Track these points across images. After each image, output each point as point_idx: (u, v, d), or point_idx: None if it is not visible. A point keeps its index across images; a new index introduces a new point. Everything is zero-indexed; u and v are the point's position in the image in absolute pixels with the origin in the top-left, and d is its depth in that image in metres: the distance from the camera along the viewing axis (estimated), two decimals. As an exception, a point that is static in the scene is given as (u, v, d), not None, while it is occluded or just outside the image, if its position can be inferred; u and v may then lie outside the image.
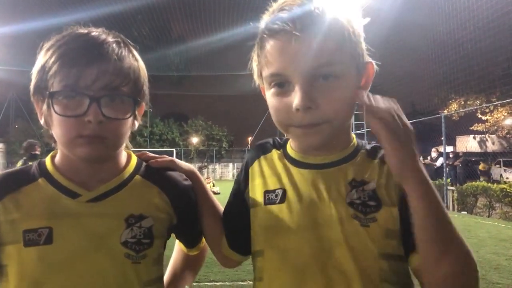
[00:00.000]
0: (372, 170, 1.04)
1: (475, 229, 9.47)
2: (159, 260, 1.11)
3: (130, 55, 1.06)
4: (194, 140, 42.41)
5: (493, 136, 27.00)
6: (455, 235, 0.89)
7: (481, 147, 26.97)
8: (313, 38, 0.93)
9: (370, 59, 1.04)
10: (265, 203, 1.10)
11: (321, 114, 0.96)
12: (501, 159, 23.72)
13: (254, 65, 1.08)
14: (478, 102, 25.51)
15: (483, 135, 27.03)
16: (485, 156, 25.13)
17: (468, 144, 25.22)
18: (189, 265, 1.37)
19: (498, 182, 17.46)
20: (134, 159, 1.17)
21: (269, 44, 0.99)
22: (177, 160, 1.23)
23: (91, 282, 0.99)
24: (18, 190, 1.04)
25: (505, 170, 23.15)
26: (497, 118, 26.61)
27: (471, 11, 17.77)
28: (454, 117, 22.91)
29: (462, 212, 13.09)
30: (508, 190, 11.66)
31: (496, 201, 12.17)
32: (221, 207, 1.27)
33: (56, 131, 1.01)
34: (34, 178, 1.07)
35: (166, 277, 1.29)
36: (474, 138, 27.03)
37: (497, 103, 21.03)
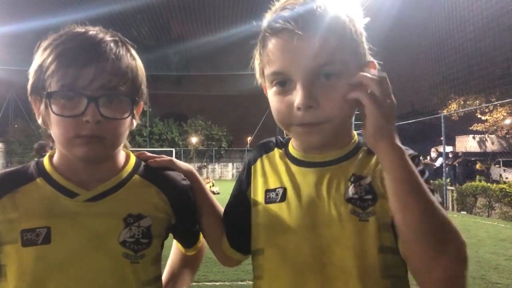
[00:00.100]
0: (370, 165, 1.05)
1: (474, 229, 9.48)
2: (157, 260, 1.11)
3: (128, 54, 1.06)
4: (194, 140, 42.42)
5: (493, 136, 27.02)
6: (431, 205, 0.85)
7: (480, 147, 27.00)
8: (315, 37, 0.93)
9: (372, 58, 1.04)
10: (266, 202, 1.11)
11: (322, 113, 0.96)
12: (500, 159, 23.73)
13: (256, 63, 1.08)
14: (477, 102, 25.52)
15: (482, 135, 27.05)
16: (484, 156, 25.15)
17: (467, 144, 25.25)
18: (187, 265, 1.37)
19: (498, 182, 17.48)
20: (133, 159, 1.17)
21: (271, 43, 0.99)
22: (176, 160, 1.23)
23: (89, 282, 0.99)
24: (16, 189, 1.04)
25: (504, 170, 23.16)
26: (496, 118, 26.63)
27: (470, 11, 17.80)
28: (453, 117, 22.91)
29: (461, 212, 13.11)
30: (507, 190, 11.67)
31: (496, 201, 12.19)
32: (221, 207, 1.27)
33: (54, 131, 1.01)
34: (32, 177, 1.06)
35: (164, 277, 1.29)
36: (474, 138, 27.06)
37: (496, 103, 21.04)
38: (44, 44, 1.02)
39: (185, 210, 1.17)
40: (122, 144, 1.11)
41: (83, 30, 1.03)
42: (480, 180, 15.35)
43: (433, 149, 17.67)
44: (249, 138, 48.11)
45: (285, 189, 1.09)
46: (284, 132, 1.09)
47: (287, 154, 1.15)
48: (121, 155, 1.15)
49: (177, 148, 38.25)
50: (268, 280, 1.06)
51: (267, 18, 1.02)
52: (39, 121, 1.06)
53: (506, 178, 21.03)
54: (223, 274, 5.38)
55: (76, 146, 0.99)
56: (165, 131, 42.52)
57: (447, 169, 15.26)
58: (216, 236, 1.23)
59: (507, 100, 18.77)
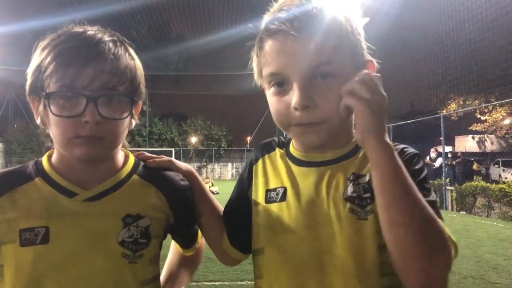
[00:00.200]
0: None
1: (474, 229, 9.49)
2: (155, 260, 1.11)
3: (127, 53, 1.06)
4: (193, 139, 42.43)
5: (492, 136, 27.05)
6: (418, 205, 0.84)
7: (480, 147, 27.02)
8: (311, 38, 0.93)
9: (370, 58, 1.04)
10: (266, 202, 1.11)
11: (320, 113, 0.96)
12: (499, 159, 23.76)
13: (254, 65, 1.08)
14: (477, 102, 25.54)
15: (482, 135, 27.08)
16: (483, 156, 25.19)
17: (467, 144, 25.26)
18: (185, 265, 1.37)
19: (497, 182, 17.50)
20: (132, 159, 1.17)
21: (268, 44, 1.00)
22: (175, 161, 1.23)
23: (87, 282, 0.99)
24: (15, 189, 1.04)
25: (503, 170, 23.18)
26: (495, 118, 26.67)
27: (470, 11, 17.80)
28: (453, 117, 22.94)
29: (461, 212, 13.12)
30: (506, 190, 11.68)
31: (495, 201, 12.20)
32: (221, 207, 1.27)
33: (53, 131, 1.00)
34: (31, 177, 1.06)
35: (162, 277, 1.29)
36: (473, 138, 27.08)
37: (496, 103, 21.07)
38: (42, 44, 1.02)
39: (184, 210, 1.17)
40: (121, 144, 1.10)
41: (81, 30, 1.03)
42: (477, 181, 15.34)
43: (432, 149, 17.68)
44: (248, 138, 48.19)
45: (285, 189, 1.09)
46: (281, 132, 1.09)
47: (287, 154, 1.16)
48: (120, 155, 1.14)
49: (177, 148, 38.27)
50: (268, 280, 1.07)
51: (265, 20, 1.02)
52: (38, 121, 1.06)
53: (506, 178, 21.05)
54: (222, 274, 5.38)
55: (75, 146, 0.99)
56: (165, 131, 42.52)
57: (446, 169, 15.28)
58: (216, 236, 1.23)
59: (506, 100, 18.81)
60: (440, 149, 16.30)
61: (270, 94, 1.04)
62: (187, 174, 1.22)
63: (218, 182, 26.22)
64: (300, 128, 0.99)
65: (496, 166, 24.16)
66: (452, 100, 27.94)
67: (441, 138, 15.25)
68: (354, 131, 1.05)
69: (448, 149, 19.17)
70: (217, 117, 48.64)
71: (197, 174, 1.26)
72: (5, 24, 20.44)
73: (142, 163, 1.17)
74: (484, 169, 24.71)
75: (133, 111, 1.08)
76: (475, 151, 26.14)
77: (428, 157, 17.35)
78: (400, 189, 0.85)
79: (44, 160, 1.10)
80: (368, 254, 0.96)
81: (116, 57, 1.01)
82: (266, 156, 1.19)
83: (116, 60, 1.00)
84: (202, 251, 1.38)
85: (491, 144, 27.02)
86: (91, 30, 1.03)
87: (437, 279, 0.85)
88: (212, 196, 1.26)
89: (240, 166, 39.51)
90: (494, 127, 26.90)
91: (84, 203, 1.03)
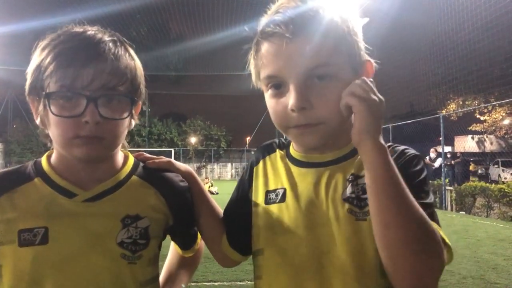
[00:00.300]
0: None
1: (473, 229, 9.48)
2: (154, 261, 1.11)
3: (127, 54, 1.06)
4: (193, 140, 42.43)
5: (491, 136, 27.06)
6: (410, 209, 0.84)
7: (479, 147, 27.02)
8: (306, 40, 0.94)
9: (368, 58, 1.04)
10: (266, 203, 1.12)
11: (317, 114, 0.96)
12: (499, 159, 23.77)
13: (252, 67, 1.08)
14: (476, 102, 25.55)
15: (481, 135, 27.08)
16: (483, 156, 25.20)
17: (466, 144, 25.25)
18: (184, 266, 1.37)
19: (496, 182, 17.50)
20: (131, 160, 1.17)
21: (264, 47, 1.00)
22: (175, 161, 1.23)
23: (86, 283, 0.99)
24: (14, 189, 1.03)
25: (503, 170, 23.19)
26: (495, 118, 26.69)
27: (469, 11, 17.80)
28: (452, 117, 22.93)
29: (460, 212, 13.12)
30: (506, 190, 11.68)
31: (494, 201, 12.20)
32: (219, 208, 1.27)
33: (53, 132, 1.00)
34: (30, 177, 1.06)
35: (161, 278, 1.28)
36: (473, 138, 27.07)
37: (495, 103, 21.08)
38: (42, 44, 1.02)
39: (183, 211, 1.17)
40: (121, 145, 1.10)
41: (81, 30, 1.03)
42: (473, 181, 15.35)
43: (432, 149, 17.69)
44: (248, 138, 48.17)
45: (285, 190, 1.09)
46: (280, 133, 1.09)
47: (287, 155, 1.16)
48: (120, 156, 1.14)
49: (176, 148, 38.28)
50: (267, 280, 1.07)
51: (262, 22, 1.03)
52: (37, 121, 1.06)
53: (505, 178, 21.06)
54: (222, 274, 5.38)
55: (75, 146, 0.99)
56: (164, 131, 42.52)
57: (446, 169, 15.28)
58: (215, 237, 1.23)
59: (506, 101, 18.80)
60: (439, 149, 16.31)
61: (268, 96, 1.04)
62: (186, 175, 1.22)
63: (218, 182, 26.21)
64: (297, 129, 0.99)
65: (496, 166, 24.18)
66: (451, 100, 27.96)
67: (440, 138, 15.24)
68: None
69: (447, 149, 19.18)
70: (216, 117, 48.70)
71: (196, 175, 1.26)
72: (4, 24, 20.42)
73: (141, 164, 1.17)
74: (483, 169, 24.72)
75: (133, 112, 1.08)
76: (474, 151, 26.14)
77: (427, 157, 17.36)
78: (392, 191, 0.85)
79: (43, 160, 1.10)
80: (367, 254, 0.96)
81: (116, 57, 1.01)
82: (267, 158, 1.20)
83: (116, 60, 1.00)
84: (201, 252, 1.38)
85: (490, 144, 27.03)
86: (91, 30, 1.03)
87: (427, 282, 0.85)
88: (211, 197, 1.26)
89: (240, 166, 39.54)
90: (493, 127, 26.93)
91: (83, 203, 1.03)
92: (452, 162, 17.39)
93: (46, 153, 1.12)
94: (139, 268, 1.05)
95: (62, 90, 0.97)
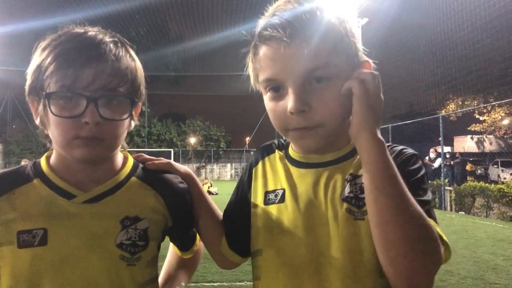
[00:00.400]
0: None
1: (472, 229, 9.49)
2: (153, 262, 1.11)
3: (127, 55, 1.05)
4: (192, 140, 42.45)
5: (491, 136, 27.06)
6: (406, 203, 0.84)
7: (478, 147, 27.02)
8: (304, 43, 0.93)
9: (366, 58, 1.04)
10: (265, 203, 1.12)
11: (316, 117, 0.96)
12: (498, 160, 23.77)
13: (250, 70, 1.08)
14: (475, 102, 25.58)
15: (480, 136, 27.09)
16: (482, 156, 25.20)
17: (465, 144, 25.27)
18: (183, 267, 1.36)
19: (496, 182, 17.50)
20: (131, 161, 1.17)
21: (262, 51, 1.00)
22: (174, 163, 1.23)
23: (85, 284, 0.99)
24: (13, 190, 1.03)
25: (502, 171, 23.19)
26: (494, 119, 26.69)
27: (468, 12, 17.82)
28: (451, 118, 22.94)
29: (459, 212, 13.14)
30: (505, 190, 11.70)
31: (494, 201, 12.22)
32: (218, 210, 1.27)
33: (53, 132, 1.00)
34: (29, 178, 1.06)
35: (160, 279, 1.28)
36: (472, 138, 27.08)
37: (494, 103, 21.08)
38: (43, 44, 1.01)
39: (182, 213, 1.17)
40: (120, 146, 1.10)
41: (82, 30, 1.02)
42: (470, 181, 15.35)
43: (432, 150, 17.68)
44: (247, 139, 48.20)
45: (284, 191, 1.09)
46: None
47: (287, 156, 1.16)
48: (119, 157, 1.14)
49: (176, 149, 38.29)
50: (266, 281, 1.07)
51: (259, 24, 1.02)
52: (37, 121, 1.06)
53: (504, 178, 21.06)
54: (221, 275, 5.38)
55: (75, 147, 0.98)
56: (164, 131, 42.53)
57: (445, 169, 15.29)
58: (214, 239, 1.23)
59: (505, 101, 18.81)
60: (439, 149, 16.31)
61: (267, 99, 1.04)
62: (186, 177, 1.22)
63: (217, 183, 26.22)
64: (296, 132, 0.99)
65: (495, 166, 24.18)
66: (451, 101, 27.98)
67: (440, 139, 15.26)
68: None
69: (447, 149, 19.19)
70: (216, 118, 48.68)
71: (195, 177, 1.26)
72: (4, 24, 20.42)
73: (141, 165, 1.17)
74: (483, 169, 24.72)
75: (133, 113, 1.08)
76: (474, 151, 26.15)
77: (427, 158, 17.36)
78: (389, 186, 0.85)
79: (42, 161, 1.10)
80: (366, 254, 0.95)
81: (117, 58, 1.01)
82: (266, 159, 1.20)
83: (117, 61, 1.00)
84: (200, 253, 1.38)
85: (490, 145, 27.04)
86: (92, 31, 1.03)
87: (424, 279, 0.85)
88: (210, 199, 1.26)
89: (239, 166, 39.56)
90: (493, 128, 26.92)
91: (82, 205, 1.03)
92: (452, 162, 17.40)
93: (45, 154, 1.12)
94: (138, 270, 1.05)
95: (62, 90, 0.96)
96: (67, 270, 0.98)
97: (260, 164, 1.20)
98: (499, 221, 11.15)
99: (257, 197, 1.15)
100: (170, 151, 33.90)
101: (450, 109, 27.16)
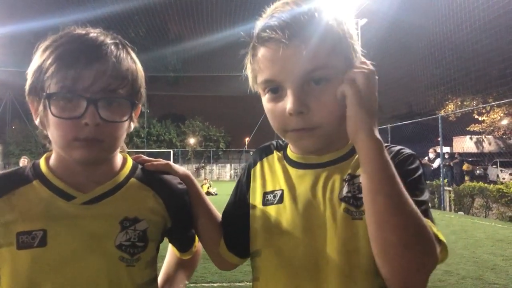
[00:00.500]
0: None
1: (471, 229, 9.50)
2: (152, 263, 1.11)
3: (129, 57, 1.06)
4: (191, 141, 42.43)
5: (490, 136, 27.08)
6: (403, 202, 0.84)
7: (477, 147, 27.03)
8: (302, 45, 0.94)
9: (364, 59, 1.04)
10: (264, 204, 1.12)
11: (314, 118, 0.96)
12: (497, 160, 23.79)
13: (248, 72, 1.08)
14: (474, 102, 25.60)
15: (479, 136, 27.11)
16: (481, 156, 25.22)
17: (464, 144, 25.25)
18: (182, 268, 1.37)
19: (495, 182, 17.52)
20: (130, 162, 1.17)
21: (260, 52, 1.00)
22: (173, 164, 1.23)
23: (84, 285, 0.99)
24: (12, 192, 1.03)
25: (501, 171, 23.21)
26: (493, 119, 26.73)
27: (467, 12, 17.82)
28: (450, 118, 22.95)
29: (459, 212, 13.14)
30: (504, 190, 11.71)
31: (493, 202, 12.23)
32: (217, 211, 1.27)
33: (53, 133, 1.00)
34: (29, 180, 1.06)
35: (159, 280, 1.28)
36: (471, 138, 27.09)
37: (493, 103, 21.11)
38: (44, 45, 1.01)
39: (181, 214, 1.17)
40: (120, 147, 1.10)
41: (83, 32, 1.02)
42: (471, 181, 15.36)
43: (431, 150, 17.68)
44: (247, 139, 48.19)
45: (282, 191, 1.10)
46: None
47: (285, 157, 1.16)
48: (118, 158, 1.14)
49: (175, 149, 38.27)
50: (265, 282, 1.07)
51: (257, 26, 1.03)
52: (36, 121, 1.06)
53: (503, 178, 21.07)
54: (220, 275, 5.37)
55: (75, 148, 0.98)
56: (163, 132, 42.52)
57: (444, 169, 15.30)
58: (212, 240, 1.23)
59: (504, 101, 18.84)
60: (438, 149, 16.32)
61: (265, 100, 1.04)
62: (184, 178, 1.22)
63: (217, 183, 26.21)
64: (295, 133, 1.00)
65: (494, 166, 24.20)
66: (450, 101, 28.00)
67: (439, 139, 15.27)
68: None
69: (446, 149, 19.20)
70: (215, 118, 48.68)
71: (193, 178, 1.26)
72: (3, 25, 20.40)
73: (140, 166, 1.17)
74: (482, 169, 24.73)
75: (133, 115, 1.08)
76: (473, 151, 26.16)
77: (426, 158, 17.37)
78: (387, 186, 0.85)
79: (41, 162, 1.10)
80: (364, 254, 0.95)
81: (118, 60, 1.01)
82: (265, 159, 1.20)
83: (117, 63, 1.00)
84: (199, 254, 1.38)
85: (489, 145, 27.06)
86: (93, 33, 1.03)
87: (418, 278, 0.85)
88: (208, 201, 1.27)
89: (239, 167, 39.53)
90: (492, 128, 26.96)
91: (82, 206, 1.03)
92: (451, 163, 17.41)
93: (45, 155, 1.12)
94: (138, 271, 1.05)
95: (62, 92, 0.96)
96: (67, 271, 0.98)
97: (258, 165, 1.20)
98: (498, 221, 11.16)
99: (256, 198, 1.15)
100: (170, 152, 33.90)
101: (449, 109, 27.18)
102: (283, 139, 1.14)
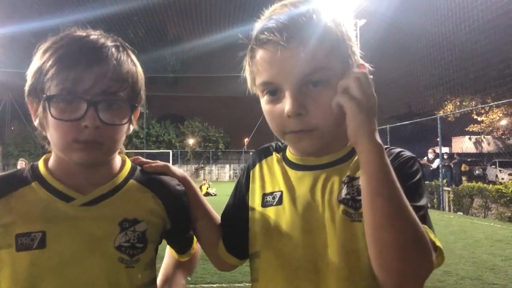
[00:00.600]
0: None
1: (471, 229, 9.50)
2: (152, 264, 1.11)
3: (129, 59, 1.06)
4: (191, 141, 42.42)
5: (489, 137, 27.13)
6: (402, 208, 0.84)
7: (476, 148, 27.08)
8: (301, 46, 0.93)
9: (362, 61, 1.04)
10: (263, 205, 1.12)
11: (312, 120, 0.96)
12: (496, 160, 23.81)
13: (247, 74, 1.08)
14: (473, 103, 25.66)
15: (478, 136, 27.15)
16: (480, 156, 25.26)
17: (463, 145, 25.29)
18: (181, 270, 1.36)
19: (494, 183, 17.53)
20: (129, 164, 1.17)
21: (259, 54, 1.00)
22: (171, 166, 1.23)
23: (84, 286, 0.99)
24: (11, 193, 1.03)
25: (500, 171, 23.23)
26: (492, 119, 26.77)
27: (466, 12, 17.84)
28: (449, 118, 22.97)
29: (458, 212, 13.15)
30: (503, 190, 11.72)
31: (492, 202, 12.24)
32: (215, 212, 1.27)
33: (52, 135, 1.00)
34: (27, 181, 1.05)
35: (158, 281, 1.28)
36: (470, 139, 27.13)
37: (492, 104, 21.16)
38: (44, 46, 1.01)
39: (180, 215, 1.17)
40: (119, 149, 1.10)
41: (84, 34, 1.02)
42: (469, 181, 15.37)
43: (430, 150, 17.69)
44: (246, 140, 48.21)
45: (281, 193, 1.10)
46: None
47: (284, 158, 1.16)
48: (117, 160, 1.14)
49: (174, 150, 38.25)
50: (264, 283, 1.07)
51: (256, 28, 1.02)
52: (36, 123, 1.06)
53: (502, 178, 21.10)
54: (220, 276, 5.37)
55: (74, 151, 0.98)
56: (162, 133, 42.48)
57: (443, 170, 15.31)
58: (211, 242, 1.23)
59: (503, 101, 18.88)
60: (437, 150, 16.33)
61: (264, 102, 1.04)
62: (182, 180, 1.22)
63: (216, 184, 26.19)
64: (293, 135, 1.00)
65: (493, 167, 24.22)
66: (449, 101, 28.04)
67: (438, 139, 15.28)
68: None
69: (445, 150, 19.21)
70: (214, 119, 48.57)
71: (191, 180, 1.26)
72: (3, 26, 20.38)
73: (139, 168, 1.17)
74: (481, 170, 24.76)
75: (132, 117, 1.08)
76: (472, 152, 26.19)
77: (425, 158, 17.38)
78: (386, 189, 0.85)
79: (40, 164, 1.10)
80: (362, 256, 0.95)
81: (119, 63, 1.01)
82: (264, 161, 1.20)
83: (118, 66, 1.00)
84: (197, 256, 1.38)
85: (487, 145, 27.11)
86: (94, 35, 1.03)
87: (413, 283, 0.86)
88: (206, 202, 1.27)
89: (238, 167, 39.51)
90: (490, 128, 27.00)
91: (81, 207, 1.03)
92: (450, 163, 17.43)
93: (43, 157, 1.12)
94: (137, 272, 1.05)
95: (62, 94, 0.96)
96: (66, 272, 0.98)
97: (257, 167, 1.20)
98: (497, 222, 11.17)
99: (255, 199, 1.15)
100: (169, 153, 33.87)
101: (448, 109, 27.24)
102: (282, 141, 1.14)
